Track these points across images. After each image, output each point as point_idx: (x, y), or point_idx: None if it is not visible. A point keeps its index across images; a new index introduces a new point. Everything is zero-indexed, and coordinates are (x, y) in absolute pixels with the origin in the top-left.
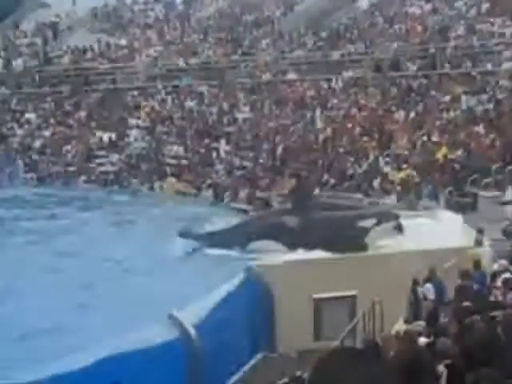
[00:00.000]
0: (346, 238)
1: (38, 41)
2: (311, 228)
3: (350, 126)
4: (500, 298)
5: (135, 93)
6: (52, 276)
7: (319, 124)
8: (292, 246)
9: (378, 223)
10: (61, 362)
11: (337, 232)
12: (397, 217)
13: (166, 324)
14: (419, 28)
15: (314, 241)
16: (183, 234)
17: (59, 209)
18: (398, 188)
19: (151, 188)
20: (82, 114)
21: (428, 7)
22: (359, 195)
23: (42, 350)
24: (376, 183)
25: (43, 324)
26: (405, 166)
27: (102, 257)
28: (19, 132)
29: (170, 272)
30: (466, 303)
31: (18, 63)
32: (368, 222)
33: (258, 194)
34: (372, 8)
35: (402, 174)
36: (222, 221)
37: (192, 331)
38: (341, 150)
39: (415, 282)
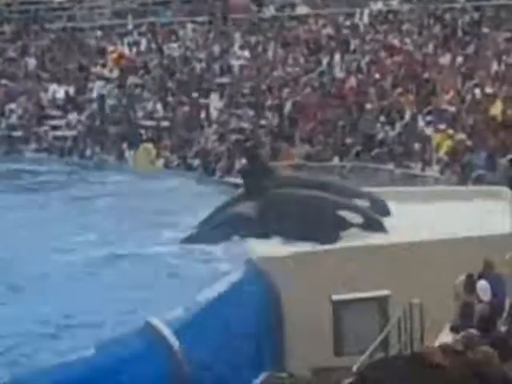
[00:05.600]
0: (315, 228)
1: None
2: (273, 214)
3: (378, 75)
4: None
5: (99, 33)
6: None
7: (339, 73)
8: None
9: (365, 225)
10: None
11: (306, 220)
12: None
13: (141, 333)
14: None
15: (277, 231)
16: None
17: None
18: (444, 156)
19: (120, 158)
20: (31, 61)
21: None
22: (390, 165)
23: None
24: (417, 148)
25: None
26: (452, 126)
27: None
28: None
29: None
30: None
31: None
32: (351, 216)
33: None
34: None
35: (448, 139)
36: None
37: (174, 342)
38: (368, 107)
39: (469, 278)
